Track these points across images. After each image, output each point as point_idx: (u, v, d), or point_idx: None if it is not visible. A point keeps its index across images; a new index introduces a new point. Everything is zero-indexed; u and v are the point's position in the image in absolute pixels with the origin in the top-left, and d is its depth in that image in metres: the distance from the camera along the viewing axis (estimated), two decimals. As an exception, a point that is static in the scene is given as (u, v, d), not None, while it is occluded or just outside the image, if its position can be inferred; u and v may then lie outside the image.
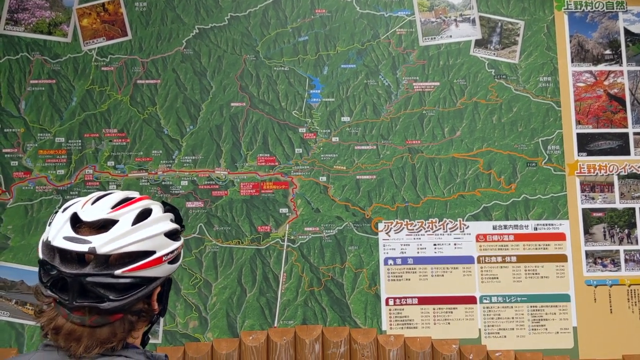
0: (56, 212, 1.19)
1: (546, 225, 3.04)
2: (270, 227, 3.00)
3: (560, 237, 3.03)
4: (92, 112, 3.04)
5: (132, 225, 1.16)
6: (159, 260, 1.16)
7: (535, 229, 3.04)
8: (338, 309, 2.94)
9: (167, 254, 1.20)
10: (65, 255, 1.09)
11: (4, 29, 3.08)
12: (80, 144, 3.01)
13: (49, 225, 1.17)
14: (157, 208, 1.26)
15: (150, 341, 2.81)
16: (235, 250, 2.98)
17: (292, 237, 3.00)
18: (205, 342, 2.87)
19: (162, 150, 3.03)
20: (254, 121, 3.09)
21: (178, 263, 1.26)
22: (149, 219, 1.20)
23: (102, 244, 1.10)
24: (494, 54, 3.18)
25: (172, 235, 1.23)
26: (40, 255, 1.12)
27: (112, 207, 1.18)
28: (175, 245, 1.23)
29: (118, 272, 1.10)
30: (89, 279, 1.07)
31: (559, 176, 3.08)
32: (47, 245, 1.12)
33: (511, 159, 3.09)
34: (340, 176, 3.06)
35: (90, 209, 1.16)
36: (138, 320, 1.18)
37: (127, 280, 1.11)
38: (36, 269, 1.16)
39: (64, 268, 1.07)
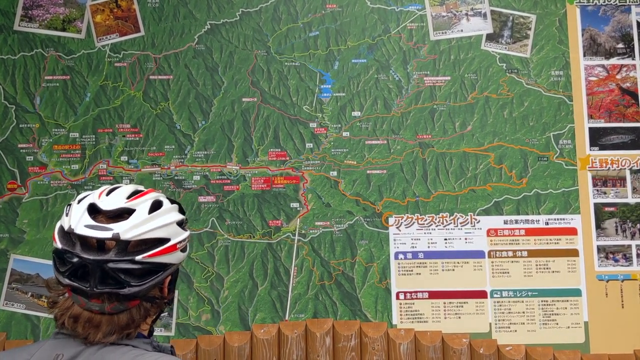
0: (70, 205, 1.22)
1: (557, 219, 3.03)
2: (281, 221, 3.03)
3: (572, 231, 3.02)
4: (105, 107, 3.08)
5: (148, 214, 1.19)
6: (173, 248, 1.21)
7: (547, 223, 3.03)
8: (349, 303, 2.96)
9: (180, 242, 1.25)
10: (87, 243, 1.13)
11: (19, 26, 3.12)
12: (94, 139, 3.05)
13: (66, 216, 1.20)
14: (165, 200, 1.30)
15: (163, 333, 2.86)
16: (247, 244, 3.01)
17: (303, 232, 3.02)
18: (218, 335, 2.91)
19: (175, 145, 3.06)
20: (265, 116, 3.11)
21: (187, 252, 1.32)
22: (162, 208, 1.25)
23: (125, 230, 1.14)
24: (505, 48, 3.17)
25: (181, 224, 1.29)
26: (59, 245, 1.15)
27: (127, 198, 1.22)
28: (186, 234, 1.30)
29: (139, 257, 1.14)
30: (111, 264, 1.11)
31: (571, 171, 3.07)
32: (67, 234, 1.16)
33: (522, 153, 3.08)
34: (350, 171, 3.07)
35: (106, 199, 1.20)
36: (152, 307, 1.21)
37: (146, 266, 1.15)
38: (52, 262, 1.19)
39: (85, 255, 1.11)
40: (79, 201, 1.22)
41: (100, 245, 1.13)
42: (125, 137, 3.06)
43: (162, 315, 1.38)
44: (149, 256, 1.15)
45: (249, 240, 3.01)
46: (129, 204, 1.21)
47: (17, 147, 3.03)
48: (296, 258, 3.00)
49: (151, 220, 1.20)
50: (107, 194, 1.24)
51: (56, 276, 1.17)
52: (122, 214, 1.18)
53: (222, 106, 3.11)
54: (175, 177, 3.04)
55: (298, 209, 3.04)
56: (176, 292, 2.93)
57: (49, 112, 3.06)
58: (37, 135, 3.04)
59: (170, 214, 1.27)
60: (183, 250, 1.28)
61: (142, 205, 1.22)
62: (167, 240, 1.21)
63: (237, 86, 3.12)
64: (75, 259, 1.12)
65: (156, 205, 1.25)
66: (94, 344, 1.14)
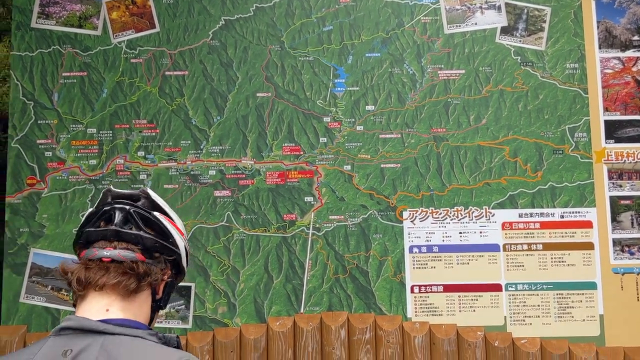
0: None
1: (573, 212, 3.03)
2: (296, 215, 3.05)
3: (587, 224, 3.02)
4: (122, 103, 3.11)
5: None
6: (182, 233, 1.39)
7: (562, 216, 3.02)
8: (363, 296, 2.98)
9: (186, 239, 1.42)
10: (118, 197, 1.31)
11: (36, 23, 3.16)
12: (111, 135, 3.09)
13: (102, 193, 1.38)
14: None
15: (180, 326, 2.90)
16: (262, 238, 3.04)
17: (317, 225, 3.04)
18: (234, 327, 2.94)
19: (191, 140, 3.09)
20: (279, 111, 3.13)
21: (185, 264, 1.44)
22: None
23: (151, 193, 1.36)
24: (520, 41, 3.16)
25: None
26: (91, 210, 1.31)
27: None
28: (187, 249, 1.45)
29: (156, 213, 1.31)
30: (135, 209, 1.27)
31: (586, 164, 3.06)
32: (103, 197, 1.33)
33: (537, 146, 3.08)
34: (364, 165, 3.08)
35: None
36: (150, 277, 1.28)
37: (161, 227, 1.30)
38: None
39: (116, 204, 1.28)
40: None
41: (130, 196, 1.32)
42: (142, 132, 3.10)
43: (158, 316, 1.41)
44: (166, 219, 1.32)
45: (264, 234, 3.04)
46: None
47: (35, 143, 3.07)
48: (311, 251, 3.03)
49: (170, 208, 1.41)
50: None
51: (78, 237, 1.29)
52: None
53: (237, 101, 3.13)
54: (192, 172, 3.07)
55: (312, 203, 3.06)
56: (193, 284, 2.96)
57: (66, 108, 3.10)
58: (55, 131, 3.08)
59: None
60: (185, 255, 1.42)
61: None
62: (177, 226, 1.39)
63: (251, 81, 3.15)
64: (106, 207, 1.27)
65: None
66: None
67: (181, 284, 2.92)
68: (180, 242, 1.36)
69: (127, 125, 3.10)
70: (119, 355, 1.14)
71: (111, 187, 1.36)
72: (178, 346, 1.30)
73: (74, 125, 3.09)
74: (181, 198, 3.04)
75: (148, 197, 1.34)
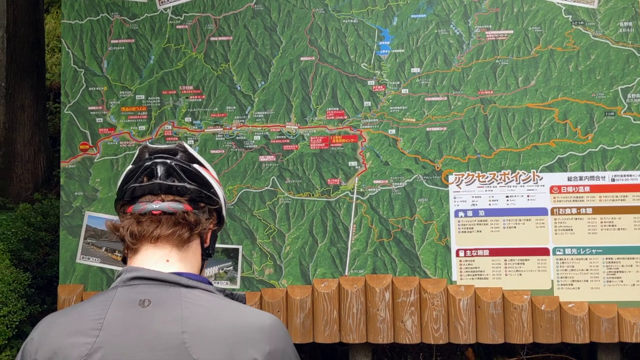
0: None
1: (624, 176, 2.95)
2: (340, 180, 3.06)
3: (639, 188, 2.94)
4: (168, 69, 3.16)
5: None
6: (220, 184, 1.39)
7: (613, 180, 2.95)
8: (408, 260, 3.00)
9: (222, 189, 1.41)
10: (156, 152, 1.33)
11: (85, -8, 3.22)
12: (159, 101, 3.15)
13: (138, 149, 1.39)
14: None
15: (228, 286, 2.97)
16: (307, 202, 3.07)
17: (361, 190, 3.05)
18: (280, 289, 3.01)
19: (236, 106, 3.12)
20: (323, 75, 3.12)
21: (224, 213, 1.43)
22: None
23: (187, 147, 1.36)
24: (572, -2, 3.05)
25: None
26: (130, 166, 1.32)
27: None
28: (224, 199, 1.45)
29: (195, 165, 1.32)
30: (175, 162, 1.29)
31: (639, 125, 2.96)
32: (140, 153, 1.35)
33: (588, 108, 2.99)
34: (409, 128, 3.06)
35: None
36: (199, 225, 1.30)
37: (201, 178, 1.31)
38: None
39: (156, 158, 1.30)
40: None
41: (168, 150, 1.33)
42: (189, 98, 3.14)
43: (205, 263, 1.44)
44: (204, 170, 1.34)
45: (308, 198, 3.07)
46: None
47: (87, 109, 3.16)
48: (355, 216, 3.05)
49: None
50: None
51: (120, 194, 1.31)
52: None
53: (281, 66, 3.14)
54: (237, 137, 3.11)
55: (356, 167, 3.07)
56: (240, 247, 3.03)
57: (115, 75, 3.17)
58: (105, 98, 3.16)
59: None
60: (224, 205, 1.42)
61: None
62: (216, 178, 1.41)
63: (295, 45, 3.14)
64: (147, 163, 1.28)
65: None
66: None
67: (229, 246, 3.00)
68: (220, 192, 1.37)
69: (174, 91, 3.15)
70: (204, 310, 1.14)
71: (147, 143, 1.38)
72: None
73: (123, 92, 3.16)
74: (227, 163, 3.09)
75: (185, 150, 1.34)
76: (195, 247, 1.31)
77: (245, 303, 1.28)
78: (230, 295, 1.29)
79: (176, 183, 1.27)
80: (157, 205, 1.23)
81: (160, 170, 1.27)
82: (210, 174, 1.36)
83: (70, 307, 1.23)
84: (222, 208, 1.38)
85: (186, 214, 1.26)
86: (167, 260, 1.24)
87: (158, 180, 1.25)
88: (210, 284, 1.29)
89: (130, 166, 1.32)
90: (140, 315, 1.12)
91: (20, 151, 5.06)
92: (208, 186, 1.33)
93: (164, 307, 1.13)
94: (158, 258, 1.24)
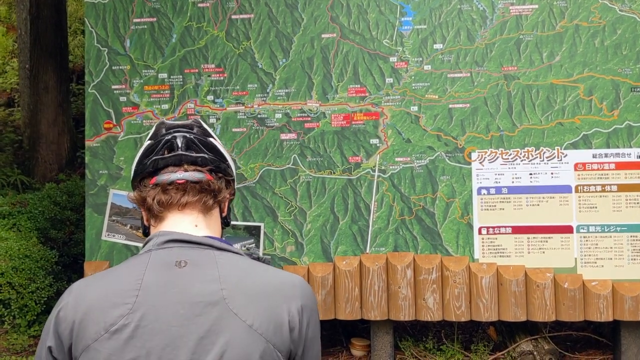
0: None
1: (651, 153, 2.90)
2: (361, 157, 3.06)
3: (667, 165, 2.89)
4: (190, 48, 3.17)
5: None
6: (231, 159, 1.44)
7: (639, 157, 2.91)
8: (429, 238, 3.00)
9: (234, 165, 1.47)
10: (175, 125, 1.36)
11: (107, -29, 3.23)
12: (181, 80, 3.17)
13: (155, 126, 1.42)
14: None
15: (251, 264, 3.00)
16: (328, 180, 3.08)
17: (382, 168, 3.05)
18: (302, 266, 3.03)
19: (257, 84, 3.13)
20: (345, 52, 3.11)
21: (234, 186, 1.46)
22: None
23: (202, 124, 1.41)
24: (599, -28, 2.98)
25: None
26: (148, 142, 1.35)
27: None
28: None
29: (210, 139, 1.36)
30: (193, 136, 1.33)
31: (668, 101, 2.90)
32: (156, 129, 1.37)
33: (614, 84, 2.94)
34: (432, 105, 3.04)
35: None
36: (219, 192, 1.34)
37: (217, 151, 1.36)
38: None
39: (175, 132, 1.34)
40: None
41: (184, 125, 1.37)
42: (211, 77, 3.16)
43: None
44: (217, 142, 1.38)
45: (329, 176, 3.08)
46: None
47: (111, 88, 3.19)
48: (376, 193, 3.05)
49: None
50: None
51: (141, 167, 1.33)
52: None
53: (302, 43, 3.13)
54: (259, 115, 3.12)
55: (378, 145, 3.06)
56: (262, 224, 3.05)
57: (138, 53, 3.19)
58: (128, 77, 3.19)
59: None
60: (235, 179, 1.47)
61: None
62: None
63: (316, 22, 3.13)
64: (167, 137, 1.32)
65: None
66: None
67: (251, 223, 3.03)
68: (233, 165, 1.43)
69: (196, 70, 3.16)
70: (239, 269, 1.19)
71: (164, 119, 1.41)
72: None
73: (145, 71, 3.18)
74: (249, 141, 3.11)
75: (200, 125, 1.38)
76: (216, 215, 1.36)
77: (270, 265, 1.33)
78: (257, 258, 1.33)
79: (197, 154, 1.31)
80: (181, 174, 1.27)
81: (180, 142, 1.31)
82: (224, 149, 1.41)
83: (103, 272, 1.25)
84: (235, 180, 1.43)
85: (210, 182, 1.30)
86: (196, 226, 1.28)
87: (180, 152, 1.29)
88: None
89: (148, 141, 1.35)
90: (178, 275, 1.15)
91: (45, 132, 5.15)
92: (224, 157, 1.38)
93: (201, 267, 1.17)
94: (187, 223, 1.27)
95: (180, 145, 1.30)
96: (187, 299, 1.12)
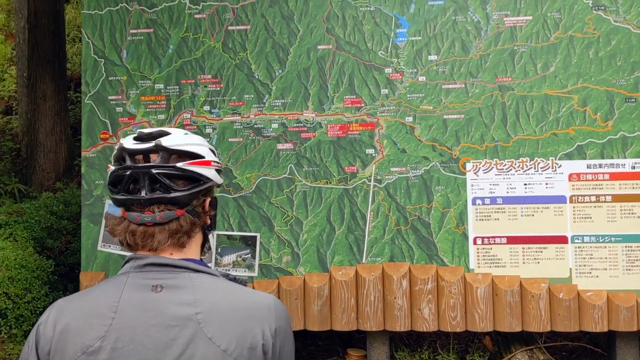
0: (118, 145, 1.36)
1: (645, 163, 2.92)
2: (357, 167, 3.08)
3: (661, 175, 2.90)
4: (187, 58, 3.19)
5: (183, 135, 1.36)
6: (208, 163, 1.34)
7: (633, 167, 2.92)
8: (425, 248, 3.00)
9: (214, 161, 1.37)
10: (134, 155, 1.28)
11: (104, -18, 3.25)
12: (178, 90, 3.18)
13: (116, 149, 1.35)
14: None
15: (247, 274, 3.01)
16: (324, 189, 3.09)
17: (378, 177, 3.06)
18: (298, 276, 3.03)
19: (254, 94, 3.14)
20: (340, 63, 3.12)
21: (221, 179, 1.41)
22: (193, 134, 1.41)
23: (166, 140, 1.30)
24: (593, -17, 3.00)
25: (212, 151, 1.42)
26: (112, 168, 1.29)
27: (163, 128, 1.36)
28: (217, 158, 1.41)
29: (179, 164, 1.27)
30: (157, 170, 1.24)
31: (662, 112, 2.92)
32: (119, 155, 1.30)
33: (608, 94, 2.96)
34: (426, 116, 3.06)
35: (147, 130, 1.37)
36: (196, 220, 1.30)
37: (187, 174, 1.28)
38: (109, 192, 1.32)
39: (134, 164, 1.26)
40: (125, 137, 1.39)
41: (146, 156, 1.28)
42: (207, 87, 3.17)
43: (205, 251, 1.43)
44: (188, 164, 1.29)
45: (326, 185, 3.09)
46: (165, 129, 1.37)
47: (107, 99, 3.20)
48: (372, 203, 3.06)
49: (186, 138, 1.36)
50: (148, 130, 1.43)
51: (112, 200, 1.29)
52: (161, 135, 1.33)
53: (298, 54, 3.15)
54: (255, 125, 3.13)
55: (373, 155, 3.08)
56: (258, 234, 3.06)
57: (135, 64, 3.20)
58: (125, 87, 3.20)
59: (201, 139, 1.41)
60: (218, 171, 1.39)
61: (177, 130, 1.39)
62: (202, 156, 1.34)
63: (312, 34, 3.15)
64: (127, 172, 1.25)
65: (187, 133, 1.41)
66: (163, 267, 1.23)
67: (247, 233, 3.03)
68: (210, 171, 1.34)
69: (192, 80, 3.18)
70: (214, 292, 1.20)
71: (123, 144, 1.29)
72: None
73: (142, 81, 3.19)
74: (245, 151, 3.12)
75: (164, 149, 1.27)
76: (197, 235, 1.34)
77: (246, 287, 1.33)
78: (234, 279, 1.33)
79: (163, 195, 1.24)
80: (149, 217, 1.23)
81: (143, 181, 1.23)
82: (196, 163, 1.31)
83: (81, 292, 1.27)
84: (215, 182, 1.37)
85: (178, 220, 1.25)
86: (171, 254, 1.27)
87: (144, 196, 1.23)
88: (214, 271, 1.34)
89: (112, 167, 1.29)
90: (154, 298, 1.17)
91: (43, 141, 5.15)
92: (196, 179, 1.30)
93: (177, 290, 1.18)
94: (163, 254, 1.27)
95: (144, 185, 1.24)
96: (163, 322, 1.14)
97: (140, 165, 1.25)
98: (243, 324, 1.17)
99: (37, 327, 1.19)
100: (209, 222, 1.38)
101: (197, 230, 1.33)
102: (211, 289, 1.21)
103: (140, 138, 1.32)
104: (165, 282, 1.20)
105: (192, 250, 1.31)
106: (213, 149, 1.43)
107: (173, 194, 1.24)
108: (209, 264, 3.00)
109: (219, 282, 1.25)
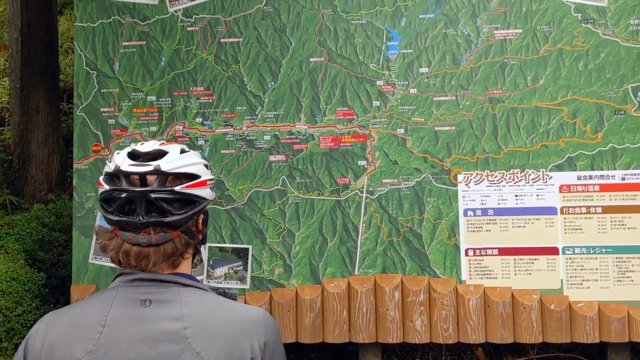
0: (111, 156, 1.33)
1: (635, 175, 2.94)
2: (349, 179, 3.08)
3: (650, 187, 2.93)
4: (179, 71, 3.20)
5: (179, 154, 1.34)
6: (204, 183, 1.33)
7: (623, 179, 2.94)
8: (417, 259, 3.01)
9: (209, 179, 1.36)
10: (132, 179, 1.25)
11: (97, -5, 3.26)
12: (170, 102, 3.19)
13: (109, 162, 1.31)
14: (187, 149, 1.41)
15: (239, 286, 3.00)
16: (316, 201, 3.09)
17: (370, 189, 3.07)
18: (290, 288, 3.03)
19: (246, 106, 3.15)
20: (332, 75, 3.14)
21: (214, 194, 1.42)
22: (189, 152, 1.39)
23: (164, 163, 1.28)
24: (581, -3, 3.04)
25: (207, 167, 1.41)
26: (106, 187, 1.27)
27: (159, 145, 1.33)
28: (212, 175, 1.40)
29: (177, 188, 1.26)
30: (154, 195, 1.22)
31: (650, 124, 2.95)
32: (113, 175, 1.28)
33: (598, 107, 2.98)
34: (418, 128, 3.07)
35: (142, 146, 1.33)
36: (190, 240, 1.30)
37: (184, 197, 1.27)
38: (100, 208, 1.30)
39: (131, 188, 1.23)
40: (118, 152, 1.35)
41: (143, 179, 1.24)
42: (199, 99, 3.18)
43: (196, 263, 1.43)
44: (186, 187, 1.28)
45: (318, 197, 3.09)
46: (163, 147, 1.35)
47: (99, 111, 3.20)
48: (364, 215, 3.06)
49: (183, 158, 1.33)
50: (142, 144, 1.35)
51: (105, 218, 1.27)
52: (158, 155, 1.31)
53: (291, 67, 3.16)
54: (247, 137, 3.14)
55: (365, 166, 3.09)
56: (250, 247, 3.06)
57: (127, 76, 3.21)
58: (117, 100, 3.20)
59: (196, 156, 1.40)
60: (211, 188, 1.39)
61: (173, 148, 1.37)
62: (198, 176, 1.33)
63: (304, 46, 3.16)
64: (123, 194, 1.23)
65: (183, 150, 1.39)
66: (154, 281, 1.22)
67: (239, 245, 3.02)
68: (205, 191, 1.33)
69: (184, 92, 3.18)
70: (203, 307, 1.20)
71: (119, 164, 1.26)
72: None
73: (134, 94, 3.20)
74: (238, 163, 3.12)
75: (162, 173, 1.25)
76: (190, 252, 1.35)
77: (236, 300, 1.33)
78: (223, 293, 1.33)
79: (159, 218, 1.22)
80: (144, 239, 1.22)
81: (139, 205, 1.22)
82: (192, 185, 1.30)
83: (71, 305, 1.27)
84: (209, 199, 1.36)
85: (174, 242, 1.25)
86: (162, 271, 1.27)
87: (140, 220, 1.21)
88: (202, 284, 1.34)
89: (105, 185, 1.27)
90: (142, 313, 1.18)
91: (35, 152, 5.13)
92: (192, 201, 1.29)
93: (165, 305, 1.19)
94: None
95: (140, 209, 1.22)
96: (151, 337, 1.14)
97: (137, 189, 1.23)
98: (231, 338, 1.17)
99: (26, 340, 1.20)
100: (201, 238, 1.38)
101: (191, 250, 1.33)
102: (200, 304, 1.21)
103: (135, 156, 1.31)
104: (153, 296, 1.20)
105: (183, 265, 1.32)
106: (207, 163, 1.42)
107: (170, 218, 1.23)
108: (201, 276, 3.00)
109: (208, 296, 1.25)
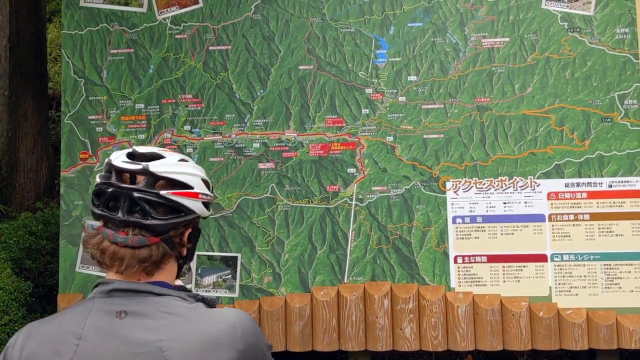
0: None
1: (621, 182, 2.96)
2: (339, 186, 3.08)
3: (636, 194, 2.94)
4: (168, 78, 3.19)
5: (176, 161, 1.34)
6: (195, 195, 1.32)
7: (610, 186, 2.96)
8: (406, 267, 3.00)
9: (203, 194, 1.35)
10: (121, 175, 1.26)
11: (84, 2, 3.25)
12: (158, 110, 3.18)
13: (106, 161, 1.33)
14: (190, 160, 1.39)
15: (227, 295, 2.99)
16: (306, 209, 3.08)
17: (360, 197, 3.07)
18: (279, 297, 3.02)
19: (235, 114, 3.15)
20: (322, 83, 3.14)
21: (209, 212, 1.40)
22: (189, 162, 1.38)
23: (154, 165, 1.28)
24: (567, 6, 3.07)
25: (206, 183, 1.39)
26: (98, 180, 1.28)
27: (162, 150, 1.33)
28: (209, 192, 1.38)
29: (163, 192, 1.25)
30: (138, 194, 1.22)
31: (636, 132, 2.97)
32: (106, 169, 1.29)
33: (585, 114, 3.01)
34: (407, 136, 3.08)
35: (142, 148, 1.34)
36: (170, 251, 1.28)
37: (169, 203, 1.26)
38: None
39: (118, 183, 1.24)
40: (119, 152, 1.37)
41: (133, 178, 1.25)
42: (188, 107, 3.17)
43: (183, 273, 1.42)
44: (172, 194, 1.27)
45: (307, 205, 3.09)
46: (162, 152, 1.35)
47: (87, 118, 3.19)
48: (354, 222, 3.06)
49: (178, 166, 1.33)
50: (145, 147, 1.37)
51: (92, 211, 1.28)
52: (153, 157, 1.32)
53: (280, 74, 3.16)
54: (236, 145, 3.13)
55: (355, 174, 3.09)
56: (239, 255, 3.04)
57: (115, 84, 3.20)
58: (105, 107, 3.19)
59: (195, 169, 1.38)
60: (205, 204, 1.37)
61: (172, 155, 1.36)
62: (190, 187, 1.32)
63: (293, 54, 3.17)
64: (110, 189, 1.24)
65: (183, 159, 1.38)
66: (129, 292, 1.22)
67: (228, 254, 3.01)
68: (195, 203, 1.31)
69: (173, 100, 3.18)
70: (179, 318, 1.19)
71: (112, 160, 1.28)
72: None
73: (122, 101, 3.18)
74: (226, 171, 3.12)
75: (151, 174, 1.26)
76: (170, 264, 1.33)
77: (215, 306, 1.32)
78: (202, 299, 1.32)
79: (140, 220, 1.22)
80: (121, 238, 1.22)
81: (123, 202, 1.22)
82: (181, 193, 1.29)
83: (50, 317, 1.26)
84: (200, 214, 1.34)
85: (152, 247, 1.24)
86: (139, 279, 1.27)
87: (120, 217, 1.22)
88: (184, 289, 1.32)
89: (98, 180, 1.29)
90: (118, 325, 1.17)
91: (23, 160, 5.09)
92: (178, 210, 1.28)
93: (141, 317, 1.18)
94: (132, 278, 1.26)
95: (123, 206, 1.22)
96: (127, 350, 1.13)
97: (123, 185, 1.24)
98: (208, 349, 1.16)
99: (5, 351, 1.19)
100: (184, 253, 1.36)
101: (169, 262, 1.31)
102: (176, 315, 1.20)
103: (132, 156, 1.32)
104: (129, 307, 1.19)
105: (163, 274, 1.30)
106: (208, 180, 1.40)
107: (150, 221, 1.23)
108: (189, 285, 2.98)
109: (186, 306, 1.24)
